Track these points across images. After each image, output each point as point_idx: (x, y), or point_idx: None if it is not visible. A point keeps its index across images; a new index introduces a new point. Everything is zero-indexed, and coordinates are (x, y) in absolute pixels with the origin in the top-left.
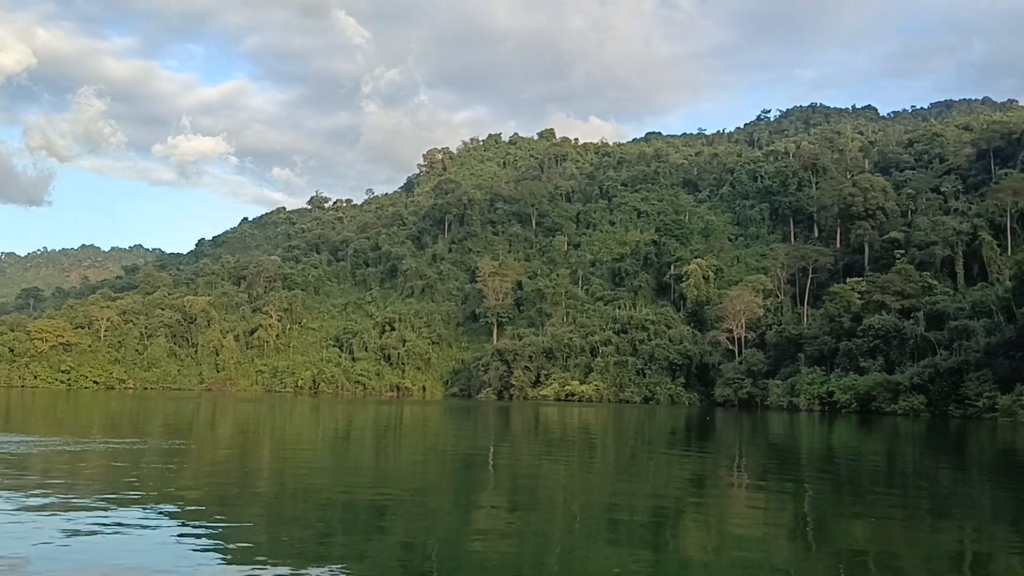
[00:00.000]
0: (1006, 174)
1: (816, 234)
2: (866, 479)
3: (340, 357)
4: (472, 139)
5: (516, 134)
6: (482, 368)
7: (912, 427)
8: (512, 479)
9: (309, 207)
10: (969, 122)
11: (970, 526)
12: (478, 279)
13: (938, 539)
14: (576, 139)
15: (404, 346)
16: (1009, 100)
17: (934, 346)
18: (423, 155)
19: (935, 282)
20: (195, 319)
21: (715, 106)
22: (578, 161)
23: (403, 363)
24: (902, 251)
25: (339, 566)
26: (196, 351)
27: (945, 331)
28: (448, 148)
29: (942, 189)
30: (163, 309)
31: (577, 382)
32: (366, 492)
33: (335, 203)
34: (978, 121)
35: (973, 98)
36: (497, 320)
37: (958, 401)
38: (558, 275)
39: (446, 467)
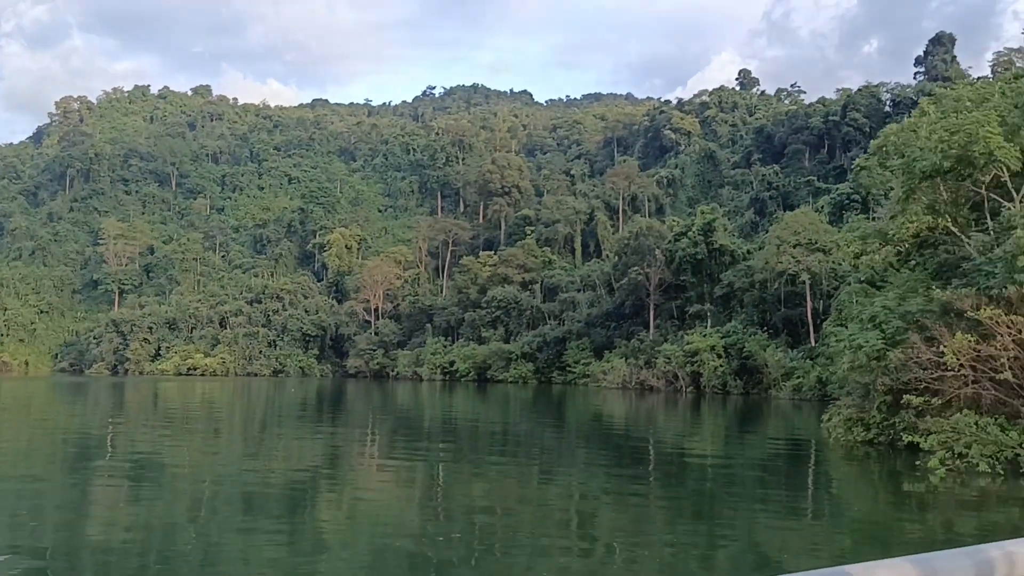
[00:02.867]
0: (624, 161)
1: (462, 208)
2: (484, 444)
3: None
4: (115, 89)
5: (167, 87)
6: (95, 340)
7: (521, 393)
8: (132, 463)
9: None
10: (605, 113)
11: (572, 479)
12: (102, 242)
13: (548, 492)
14: (235, 99)
15: (4, 315)
16: (647, 98)
17: (546, 317)
18: (55, 103)
19: (555, 257)
20: None
21: (399, 79)
22: (236, 122)
23: (1, 335)
24: (532, 227)
25: None
26: None
27: (556, 303)
28: (86, 97)
29: (572, 172)
30: None
31: (202, 355)
32: None
33: None
34: (612, 113)
35: (619, 93)
36: (120, 287)
37: (561, 368)
38: (189, 239)
39: (56, 453)
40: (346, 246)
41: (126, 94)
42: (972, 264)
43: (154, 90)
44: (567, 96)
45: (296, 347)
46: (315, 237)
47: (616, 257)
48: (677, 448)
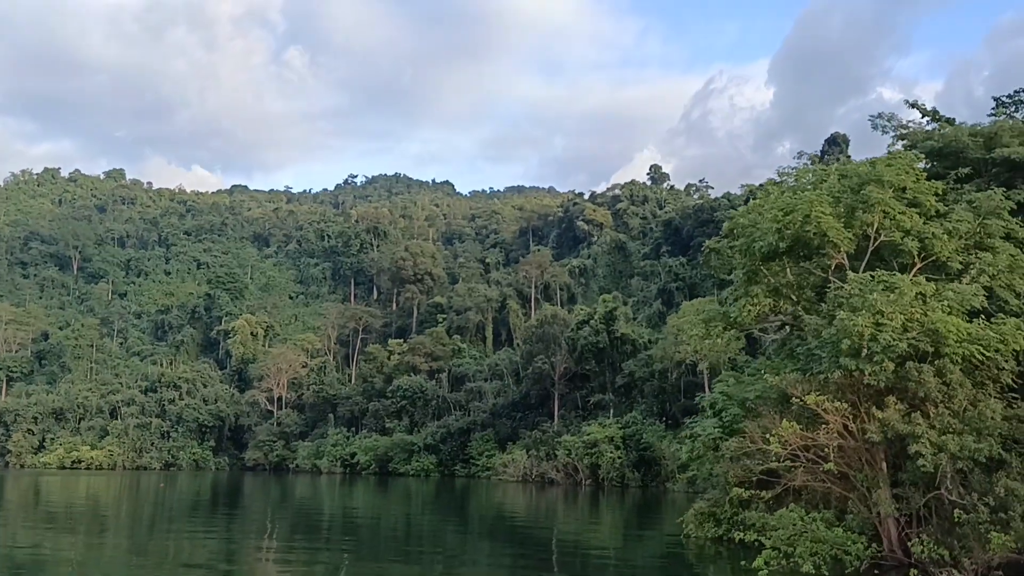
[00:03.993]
0: (539, 250)
1: (375, 296)
2: (385, 543)
3: None
4: (23, 171)
5: (77, 170)
6: None
7: (423, 487)
8: (10, 565)
9: None
10: (523, 203)
11: None
12: None
13: None
14: (150, 183)
15: None
16: (570, 191)
17: (451, 407)
18: None
19: (465, 345)
20: None
21: (325, 167)
22: (148, 206)
23: None
24: (444, 315)
25: None
26: None
27: (463, 392)
28: None
29: (487, 260)
30: None
31: (88, 447)
32: None
33: None
34: (530, 203)
35: (541, 186)
36: (8, 375)
37: (464, 460)
38: (84, 325)
39: None
40: (251, 333)
41: (35, 176)
42: (805, 348)
43: (65, 173)
44: (490, 188)
45: (191, 438)
46: (220, 324)
47: (525, 346)
48: (579, 546)
